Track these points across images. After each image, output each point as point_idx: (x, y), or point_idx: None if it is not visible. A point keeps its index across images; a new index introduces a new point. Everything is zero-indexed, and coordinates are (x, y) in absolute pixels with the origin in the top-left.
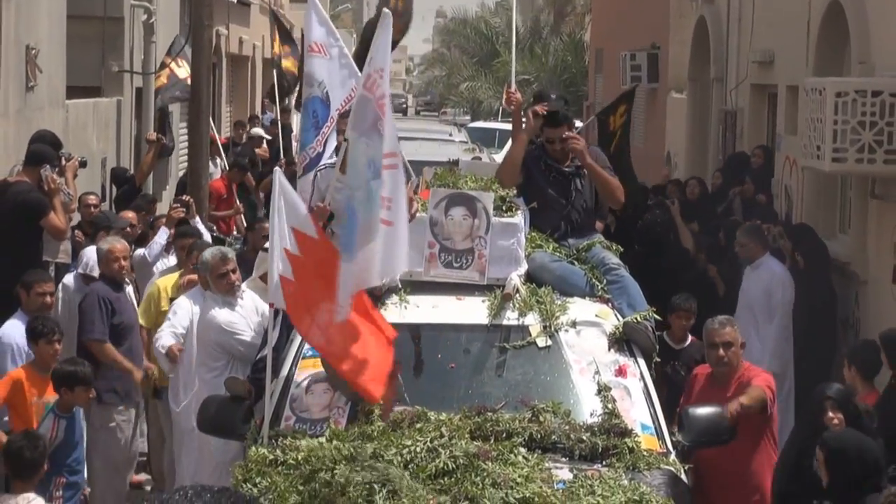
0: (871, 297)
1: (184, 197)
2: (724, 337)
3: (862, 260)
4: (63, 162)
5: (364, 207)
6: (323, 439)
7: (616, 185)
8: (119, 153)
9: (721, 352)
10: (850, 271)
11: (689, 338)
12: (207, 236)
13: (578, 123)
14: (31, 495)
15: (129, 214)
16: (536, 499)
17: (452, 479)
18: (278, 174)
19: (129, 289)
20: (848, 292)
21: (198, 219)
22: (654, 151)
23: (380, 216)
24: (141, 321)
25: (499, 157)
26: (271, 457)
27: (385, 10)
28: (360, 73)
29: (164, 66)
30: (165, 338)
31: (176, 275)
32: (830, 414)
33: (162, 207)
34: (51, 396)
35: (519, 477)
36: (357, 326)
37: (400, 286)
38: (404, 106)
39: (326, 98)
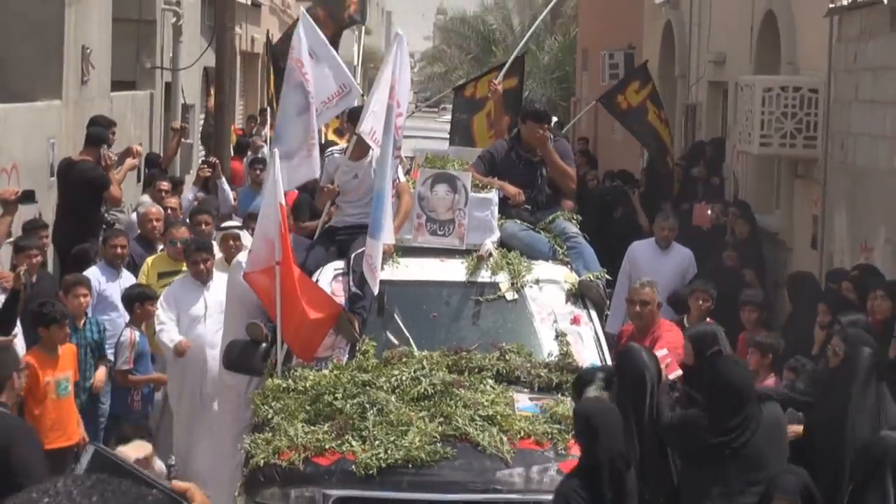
0: (795, 262)
1: (210, 158)
2: (641, 296)
3: (788, 230)
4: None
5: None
6: (326, 371)
7: (568, 174)
8: (151, 139)
9: (637, 308)
10: (780, 240)
11: (707, 321)
12: (230, 195)
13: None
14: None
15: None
16: (498, 416)
17: (431, 402)
18: (276, 155)
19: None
20: (778, 258)
21: (223, 179)
22: (629, 142)
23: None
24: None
25: None
26: (284, 385)
27: (398, 32)
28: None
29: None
30: (173, 331)
31: (164, 257)
32: None
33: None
34: (60, 373)
35: (486, 401)
36: (303, 303)
37: (394, 250)
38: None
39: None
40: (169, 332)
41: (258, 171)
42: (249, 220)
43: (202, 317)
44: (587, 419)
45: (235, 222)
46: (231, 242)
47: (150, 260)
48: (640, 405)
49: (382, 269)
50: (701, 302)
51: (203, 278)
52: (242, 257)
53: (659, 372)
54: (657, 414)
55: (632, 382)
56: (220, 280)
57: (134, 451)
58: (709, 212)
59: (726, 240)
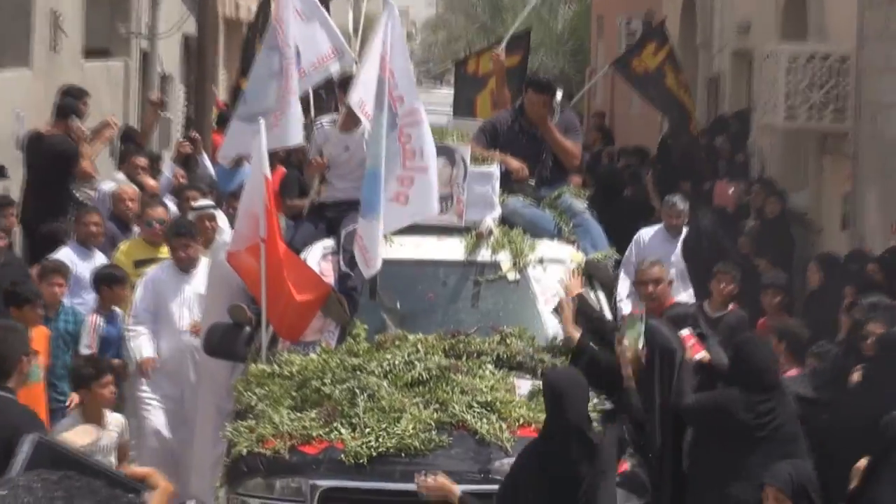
0: (824, 243)
1: (191, 133)
2: (651, 275)
3: (817, 210)
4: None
5: (386, 167)
6: (314, 355)
7: (570, 151)
8: (126, 112)
9: (650, 288)
10: (809, 221)
11: (730, 306)
12: (212, 173)
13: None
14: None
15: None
16: (498, 403)
17: (426, 388)
18: (262, 125)
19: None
20: (806, 239)
21: (204, 155)
22: (648, 115)
23: (408, 167)
24: None
25: None
26: (269, 370)
27: (389, 1)
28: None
29: None
30: (143, 342)
31: (139, 242)
32: None
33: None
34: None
35: (485, 387)
36: (289, 283)
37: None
38: None
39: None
40: (137, 341)
41: None
42: (233, 200)
43: (183, 310)
44: (552, 386)
45: (209, 201)
46: (207, 223)
47: (123, 246)
48: (668, 385)
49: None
50: (723, 285)
51: (185, 266)
52: (226, 237)
53: (682, 351)
54: (679, 394)
55: (661, 361)
56: (205, 269)
57: (78, 436)
58: (731, 190)
59: (749, 221)
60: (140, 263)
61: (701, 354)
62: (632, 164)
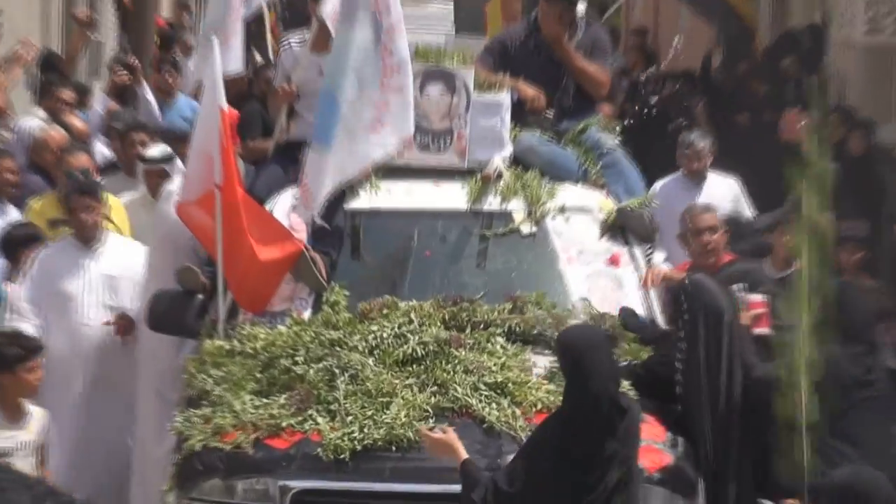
0: None
1: (129, 58)
2: (706, 222)
3: None
4: None
5: (351, 93)
6: (283, 328)
7: (594, 77)
8: (47, 33)
9: (705, 238)
10: None
11: (795, 265)
12: (156, 108)
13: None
14: None
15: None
16: (510, 384)
17: (421, 367)
18: (214, 44)
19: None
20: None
21: (145, 86)
22: (700, 31)
23: (385, 88)
24: None
25: None
26: (227, 347)
27: None
28: None
29: None
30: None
31: (54, 199)
32: None
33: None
34: None
35: (494, 365)
36: (252, 240)
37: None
38: None
39: None
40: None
41: (167, 75)
42: (177, 144)
43: (79, 298)
44: (567, 349)
45: (164, 149)
46: (158, 181)
47: (36, 203)
48: (717, 355)
49: (356, 194)
50: (787, 238)
51: (88, 236)
52: (175, 185)
53: (737, 314)
54: (748, 365)
55: (705, 327)
56: (114, 245)
57: None
58: (802, 122)
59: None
60: (56, 224)
61: (763, 331)
62: (680, 91)
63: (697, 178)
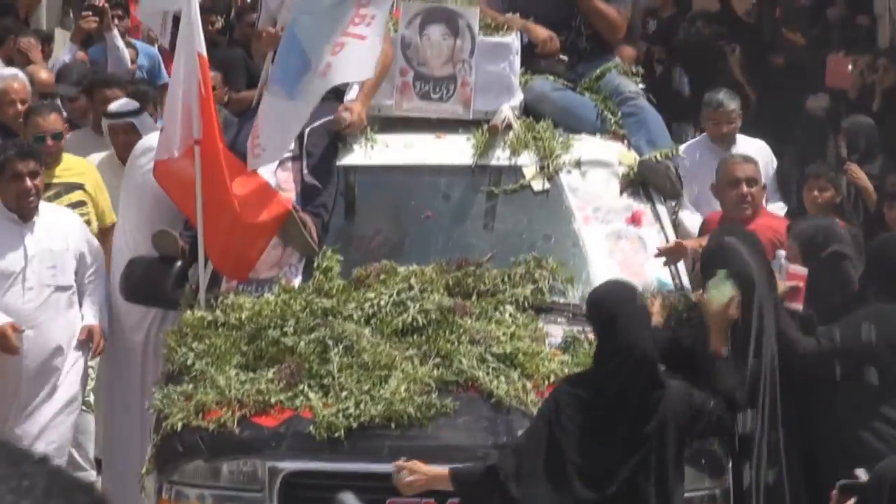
0: None
1: (98, 1)
2: (745, 172)
3: None
4: None
5: (316, 37)
6: (270, 296)
7: (608, 17)
8: None
9: (744, 189)
10: None
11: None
12: (126, 56)
13: None
14: None
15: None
16: (520, 355)
17: (423, 337)
18: None
19: None
20: None
21: (115, 33)
22: None
23: (348, 34)
24: None
25: None
26: (210, 318)
27: None
28: None
29: None
30: None
31: None
32: None
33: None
34: None
35: (503, 335)
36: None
37: (367, 123)
38: None
39: None
40: None
41: (115, 19)
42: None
43: (17, 276)
44: (598, 305)
45: (129, 102)
46: (122, 138)
47: None
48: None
49: (350, 148)
50: (817, 192)
51: (25, 208)
52: (149, 141)
53: (772, 282)
54: (788, 341)
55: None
56: (50, 216)
57: None
58: (850, 66)
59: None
60: None
61: (796, 307)
62: (714, 35)
63: (726, 143)
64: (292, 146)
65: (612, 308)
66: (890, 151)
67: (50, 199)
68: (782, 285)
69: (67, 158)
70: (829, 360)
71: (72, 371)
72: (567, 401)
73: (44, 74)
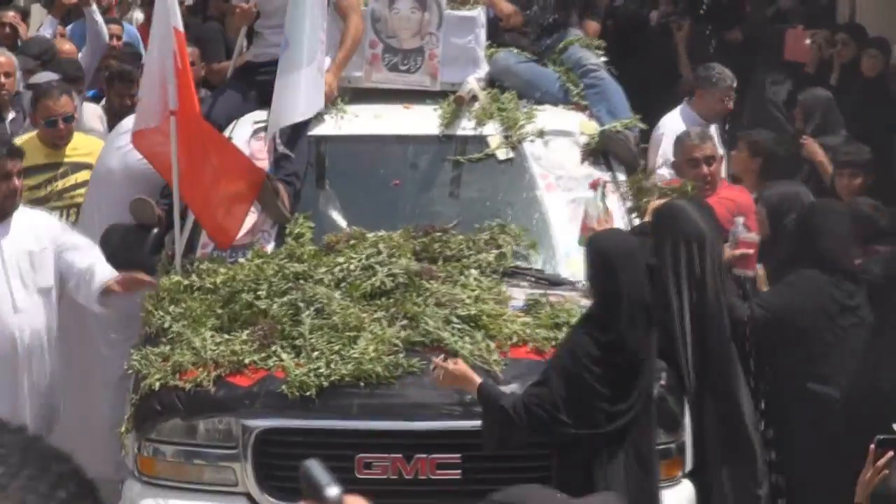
0: None
1: None
2: (705, 151)
3: None
4: None
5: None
6: (244, 260)
7: None
8: None
9: (704, 169)
10: None
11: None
12: (104, 31)
13: None
14: None
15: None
16: (484, 317)
17: (391, 300)
18: None
19: None
20: None
21: (94, 7)
22: None
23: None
24: None
25: None
26: (186, 282)
27: None
28: None
29: None
30: None
31: (32, 140)
32: None
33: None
34: None
35: (468, 298)
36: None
37: (338, 94)
38: None
39: None
40: None
41: None
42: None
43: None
44: (598, 252)
45: (49, 73)
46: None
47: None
48: (688, 283)
49: (321, 119)
50: (847, 180)
51: (9, 207)
52: (129, 123)
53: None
54: (731, 306)
55: (688, 257)
56: (22, 215)
57: None
58: (808, 40)
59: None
60: (33, 171)
61: (749, 273)
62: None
63: (717, 118)
64: (265, 116)
65: (612, 261)
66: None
67: (57, 179)
68: (728, 251)
69: (77, 138)
70: (761, 325)
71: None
72: (586, 348)
73: (67, 46)
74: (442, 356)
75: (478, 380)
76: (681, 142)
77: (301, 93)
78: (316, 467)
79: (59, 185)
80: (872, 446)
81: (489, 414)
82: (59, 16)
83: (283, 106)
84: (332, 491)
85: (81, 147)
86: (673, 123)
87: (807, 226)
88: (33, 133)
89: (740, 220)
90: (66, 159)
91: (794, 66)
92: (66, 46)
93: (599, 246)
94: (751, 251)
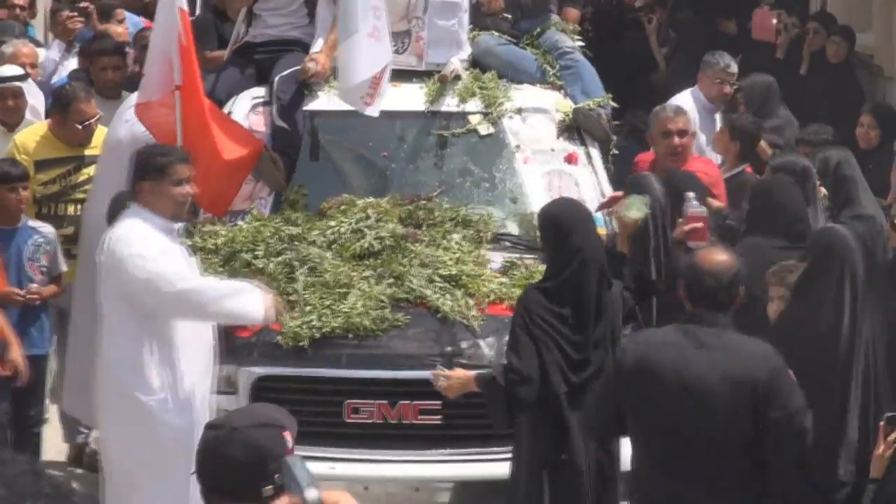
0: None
1: (82, 4)
2: (678, 124)
3: (888, 54)
4: None
5: None
6: (243, 223)
7: None
8: None
9: (676, 140)
10: (876, 66)
11: (746, 167)
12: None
13: None
14: None
15: None
16: (464, 277)
17: (378, 260)
18: None
19: None
20: (875, 88)
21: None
22: None
23: None
24: None
25: None
26: (190, 243)
27: None
28: None
29: None
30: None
31: (47, 135)
32: None
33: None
34: None
35: (449, 259)
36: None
37: (330, 72)
38: None
39: None
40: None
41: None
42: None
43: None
44: (551, 217)
45: (13, 69)
46: (11, 102)
47: (20, 138)
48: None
49: (315, 95)
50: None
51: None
52: (132, 100)
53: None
54: (672, 267)
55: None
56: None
57: None
58: (774, 20)
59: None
60: (44, 165)
61: (697, 245)
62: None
63: (722, 102)
64: (262, 92)
65: (566, 219)
66: (814, 111)
67: (70, 172)
68: (679, 227)
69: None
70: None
71: None
72: (535, 308)
73: (120, 29)
74: (439, 368)
75: (472, 378)
76: (656, 115)
77: (361, 55)
78: (298, 465)
79: (73, 179)
80: (882, 423)
81: (490, 394)
82: (64, 40)
83: (347, 69)
84: (312, 494)
85: (96, 141)
86: (682, 103)
87: (762, 198)
88: (41, 125)
89: (691, 194)
90: (80, 153)
91: (766, 48)
92: (120, 29)
93: (550, 212)
94: (700, 224)
